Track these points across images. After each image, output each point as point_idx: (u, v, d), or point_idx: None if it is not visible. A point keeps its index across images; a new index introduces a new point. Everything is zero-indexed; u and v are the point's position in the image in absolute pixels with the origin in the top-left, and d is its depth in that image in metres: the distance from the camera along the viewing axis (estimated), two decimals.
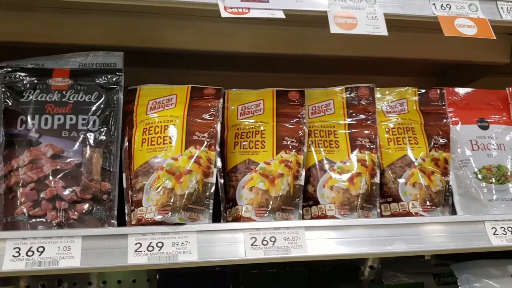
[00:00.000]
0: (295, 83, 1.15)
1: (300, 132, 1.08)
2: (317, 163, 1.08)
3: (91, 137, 0.98)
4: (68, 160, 0.95)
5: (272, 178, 1.03)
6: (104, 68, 1.04)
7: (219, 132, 1.02)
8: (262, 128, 1.08)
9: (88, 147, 0.97)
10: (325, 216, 1.03)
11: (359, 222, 1.00)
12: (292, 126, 1.08)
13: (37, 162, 0.94)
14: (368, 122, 1.13)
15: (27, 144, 0.96)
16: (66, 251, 0.85)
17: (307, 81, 1.21)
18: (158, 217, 0.93)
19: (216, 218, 1.04)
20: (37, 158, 0.94)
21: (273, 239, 0.94)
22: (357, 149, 1.10)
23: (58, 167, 0.94)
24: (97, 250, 0.87)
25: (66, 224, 0.91)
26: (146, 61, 1.25)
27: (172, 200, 0.94)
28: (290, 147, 1.06)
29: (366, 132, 1.12)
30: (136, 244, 0.89)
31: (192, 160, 0.98)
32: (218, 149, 1.01)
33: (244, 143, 1.07)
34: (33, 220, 0.91)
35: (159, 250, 0.89)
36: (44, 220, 0.91)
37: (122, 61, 1.05)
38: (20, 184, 0.93)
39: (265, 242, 0.93)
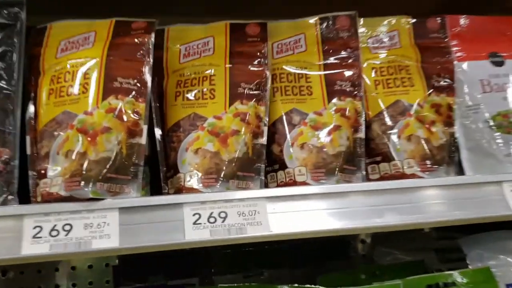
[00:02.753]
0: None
1: (261, 76, 0.87)
2: (284, 115, 0.88)
3: None
4: None
5: (224, 136, 0.83)
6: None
7: (148, 76, 0.81)
8: (211, 72, 0.88)
9: None
10: (294, 183, 0.84)
11: (338, 189, 0.80)
12: (250, 69, 0.88)
13: None
14: (350, 60, 0.92)
15: None
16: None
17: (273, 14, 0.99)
18: (64, 192, 0.74)
19: (157, 191, 0.86)
20: None
21: (223, 214, 0.75)
22: (336, 96, 0.90)
23: None
24: None
25: None
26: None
27: (84, 168, 0.74)
28: (248, 95, 0.86)
29: (347, 73, 0.91)
30: (35, 228, 0.70)
31: (112, 114, 0.78)
32: (148, 99, 0.80)
33: (188, 93, 0.87)
34: None
35: (66, 235, 0.70)
36: None
37: None
38: None
39: (212, 219, 0.74)
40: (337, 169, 0.84)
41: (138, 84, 0.80)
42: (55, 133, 0.77)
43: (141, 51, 0.82)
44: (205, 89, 0.86)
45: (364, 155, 0.89)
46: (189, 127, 0.84)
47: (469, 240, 0.99)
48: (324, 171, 0.84)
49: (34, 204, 0.74)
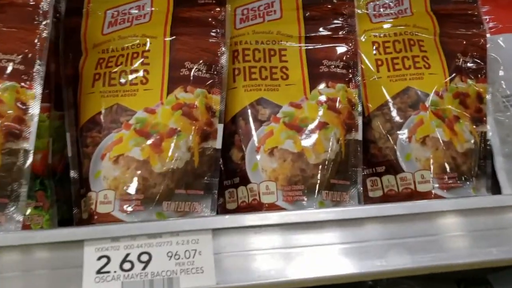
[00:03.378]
0: None
1: (215, 52, 0.63)
2: (248, 108, 0.63)
3: None
4: None
5: (158, 138, 0.58)
6: None
7: (45, 52, 0.56)
8: (144, 47, 0.63)
9: None
10: (259, 205, 0.60)
11: (322, 216, 0.56)
12: (200, 43, 0.63)
13: None
14: (342, 32, 0.67)
15: None
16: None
17: None
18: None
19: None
20: None
21: (145, 257, 0.50)
22: (322, 81, 0.64)
23: None
24: None
25: None
26: None
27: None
28: (195, 79, 0.61)
29: (338, 49, 0.66)
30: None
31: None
32: (40, 86, 0.55)
33: (111, 75, 0.62)
34: None
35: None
36: None
37: None
38: None
39: (127, 265, 0.49)
40: (321, 185, 0.60)
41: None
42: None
43: (34, 16, 0.57)
44: (134, 71, 0.61)
45: (361, 164, 0.65)
46: (110, 125, 0.60)
47: (502, 277, 0.74)
48: (303, 188, 0.59)
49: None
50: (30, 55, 0.55)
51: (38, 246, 0.49)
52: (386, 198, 0.65)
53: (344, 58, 0.66)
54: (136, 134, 0.58)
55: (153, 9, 0.65)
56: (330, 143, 0.62)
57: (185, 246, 0.51)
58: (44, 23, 0.56)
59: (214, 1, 0.65)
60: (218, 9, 0.64)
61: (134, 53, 0.63)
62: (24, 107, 0.53)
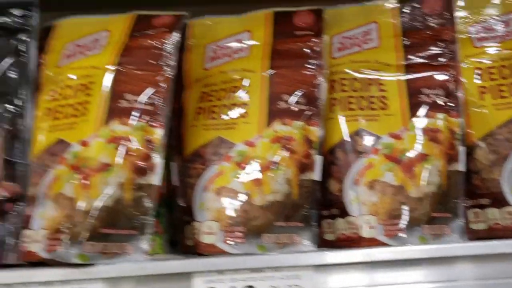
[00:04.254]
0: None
1: (313, 83, 0.64)
2: (346, 139, 0.64)
3: None
4: None
5: (257, 170, 0.60)
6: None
7: (170, 92, 0.61)
8: (244, 81, 0.66)
9: None
10: (359, 239, 0.60)
11: (425, 253, 0.56)
12: (298, 75, 0.65)
13: None
14: (443, 59, 0.66)
15: None
16: None
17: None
18: (44, 253, 0.55)
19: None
20: None
21: None
22: (422, 111, 0.64)
23: None
24: None
25: None
26: None
27: (69, 222, 0.55)
28: (292, 112, 0.63)
29: (438, 77, 0.65)
30: None
31: (114, 145, 0.58)
32: (167, 123, 0.61)
33: (212, 109, 0.66)
34: None
35: None
36: None
37: None
38: None
39: None
40: (423, 218, 0.59)
41: (151, 102, 0.60)
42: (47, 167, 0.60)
43: (162, 54, 0.62)
44: (234, 104, 0.64)
45: (463, 196, 0.63)
46: (212, 157, 0.63)
47: None
48: (403, 222, 0.59)
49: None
50: (156, 95, 0.60)
51: (152, 277, 0.54)
52: (491, 231, 0.62)
53: (446, 86, 0.64)
54: (237, 167, 0.61)
55: (252, 43, 0.68)
56: (431, 175, 0.61)
57: (287, 281, 0.53)
58: (168, 64, 0.61)
59: (311, 32, 0.67)
60: (316, 40, 0.66)
61: (234, 87, 0.65)
62: (151, 144, 0.58)
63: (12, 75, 0.63)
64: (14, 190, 0.60)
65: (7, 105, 0.62)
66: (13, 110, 0.62)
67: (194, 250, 0.61)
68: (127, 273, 0.53)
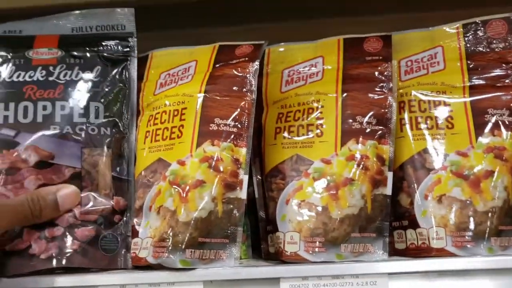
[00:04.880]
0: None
1: (383, 105, 0.69)
2: (415, 156, 0.69)
3: (94, 132, 0.70)
4: (62, 169, 0.67)
5: (334, 186, 0.67)
6: (107, 32, 0.76)
7: (252, 115, 0.69)
8: (319, 103, 0.72)
9: (90, 148, 0.69)
10: (428, 249, 0.66)
11: (492, 264, 0.61)
12: (369, 97, 0.70)
13: (14, 174, 0.66)
14: (507, 80, 0.70)
15: None
16: None
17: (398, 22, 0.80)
18: (151, 259, 0.64)
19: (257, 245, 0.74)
20: (13, 167, 0.66)
21: None
22: (487, 130, 0.68)
23: (47, 181, 0.66)
24: None
25: (62, 257, 0.64)
26: (160, 18, 0.93)
27: (172, 231, 0.64)
28: (366, 132, 0.69)
29: (503, 98, 0.70)
30: None
31: (207, 164, 0.66)
32: (249, 143, 0.68)
33: (290, 129, 0.73)
34: (9, 257, 0.63)
35: None
36: (29, 254, 0.63)
37: (134, 21, 0.76)
38: None
39: None
40: (489, 232, 0.64)
41: (238, 124, 0.67)
42: (150, 183, 0.69)
43: (243, 82, 0.69)
44: (311, 125, 0.71)
45: None
46: (291, 173, 0.70)
47: None
48: (472, 235, 0.64)
49: (110, 273, 0.65)
50: (240, 118, 0.67)
51: (244, 281, 0.61)
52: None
53: (509, 107, 0.69)
54: (314, 182, 0.67)
55: (324, 67, 0.74)
56: (497, 190, 0.66)
57: (365, 287, 0.60)
58: (250, 90, 0.69)
59: (380, 58, 0.73)
60: (385, 64, 0.71)
61: (310, 109, 0.72)
62: (237, 163, 0.66)
63: (117, 102, 0.72)
64: (122, 204, 0.69)
65: (114, 129, 0.71)
66: (119, 134, 0.71)
67: (277, 257, 0.68)
68: (223, 277, 0.60)
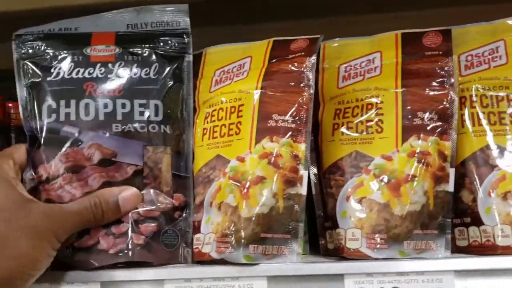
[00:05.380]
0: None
1: (445, 100, 0.69)
2: (477, 153, 0.68)
3: (154, 130, 0.71)
4: (124, 167, 0.69)
5: (395, 183, 0.66)
6: (163, 29, 0.76)
7: (310, 110, 0.69)
8: (378, 99, 0.72)
9: (151, 145, 0.70)
10: (493, 247, 0.65)
11: None
12: (429, 92, 0.70)
13: (79, 171, 0.68)
14: None
15: (60, 144, 0.68)
16: None
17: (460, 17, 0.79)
18: (215, 254, 0.65)
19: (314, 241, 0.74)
20: (78, 165, 0.68)
21: None
22: None
23: (111, 178, 0.68)
24: None
25: (129, 252, 0.66)
26: (214, 14, 0.95)
27: (234, 227, 0.65)
28: (427, 128, 0.68)
29: None
30: None
31: (267, 160, 0.67)
32: (308, 138, 0.68)
33: (348, 125, 0.73)
34: (79, 254, 0.66)
35: None
36: (98, 249, 0.66)
37: (188, 18, 0.76)
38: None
39: None
40: None
41: (296, 120, 0.68)
42: (209, 179, 0.70)
43: (301, 77, 0.69)
44: (369, 121, 0.71)
45: None
46: (351, 169, 0.70)
47: None
48: None
49: (174, 267, 0.67)
50: (299, 114, 0.68)
51: (307, 277, 0.62)
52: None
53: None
54: (375, 178, 0.68)
55: (382, 62, 0.74)
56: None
57: (430, 284, 0.59)
58: (308, 85, 0.69)
59: (440, 52, 0.72)
60: (445, 59, 0.70)
61: (369, 104, 0.72)
62: (297, 159, 0.66)
63: (175, 99, 0.73)
64: (181, 200, 0.71)
65: (173, 127, 0.72)
66: (177, 131, 0.72)
67: (336, 253, 0.68)
68: (286, 273, 0.61)
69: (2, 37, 0.83)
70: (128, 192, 0.67)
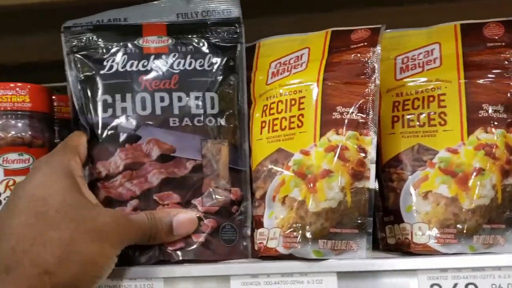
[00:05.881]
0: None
1: (510, 93, 0.68)
2: None
3: (211, 124, 0.69)
4: (183, 162, 0.67)
5: (463, 176, 0.65)
6: (215, 18, 0.74)
7: (376, 101, 0.67)
8: (439, 91, 0.71)
9: (209, 140, 0.69)
10: None
11: None
12: (494, 85, 0.69)
13: (138, 168, 0.66)
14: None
15: (118, 140, 0.67)
16: None
17: None
18: (282, 249, 0.64)
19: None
20: (137, 162, 0.67)
21: (471, 287, 0.59)
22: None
23: (170, 174, 0.67)
24: None
25: (188, 250, 0.65)
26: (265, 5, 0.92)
27: (302, 222, 0.64)
28: (493, 120, 0.67)
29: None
30: None
31: (333, 153, 0.66)
32: (375, 131, 0.67)
33: (409, 117, 0.71)
34: (139, 252, 0.64)
35: None
36: (157, 246, 0.64)
37: (239, 6, 0.74)
38: (115, 203, 0.66)
39: None
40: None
41: (361, 112, 0.67)
42: (271, 173, 0.69)
43: (365, 68, 0.68)
44: (432, 113, 0.70)
45: None
46: (413, 163, 0.69)
47: None
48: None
49: (240, 263, 0.65)
50: (364, 106, 0.67)
51: (378, 273, 0.61)
52: None
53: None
54: (441, 172, 0.66)
55: (442, 54, 0.73)
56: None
57: (508, 280, 0.58)
58: (373, 76, 0.68)
59: (503, 44, 0.70)
60: (509, 51, 0.69)
61: (430, 97, 0.70)
62: (364, 152, 0.65)
63: (230, 91, 0.72)
64: (239, 194, 0.69)
65: (229, 120, 0.70)
66: (233, 124, 0.71)
67: (399, 248, 0.67)
68: (357, 268, 0.60)
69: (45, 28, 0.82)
70: (183, 216, 0.65)
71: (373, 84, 0.67)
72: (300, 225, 0.63)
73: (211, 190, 0.67)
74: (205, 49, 0.72)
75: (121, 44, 0.71)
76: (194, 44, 0.72)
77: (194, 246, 0.65)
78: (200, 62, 0.72)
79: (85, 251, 0.55)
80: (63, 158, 0.62)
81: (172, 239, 0.64)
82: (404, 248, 0.66)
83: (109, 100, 0.68)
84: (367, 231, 0.63)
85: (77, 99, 0.69)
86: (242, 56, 0.74)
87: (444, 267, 0.59)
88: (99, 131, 0.67)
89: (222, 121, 0.70)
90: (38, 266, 0.53)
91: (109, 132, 0.67)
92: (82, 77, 0.70)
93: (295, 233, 0.63)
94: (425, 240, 0.64)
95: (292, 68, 0.73)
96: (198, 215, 0.66)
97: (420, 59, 0.74)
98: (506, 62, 0.69)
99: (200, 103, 0.70)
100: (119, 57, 0.71)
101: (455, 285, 0.59)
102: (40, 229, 0.54)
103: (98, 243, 0.56)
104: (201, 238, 0.65)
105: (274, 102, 0.72)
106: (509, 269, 0.58)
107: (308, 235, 0.62)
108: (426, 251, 0.64)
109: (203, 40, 0.73)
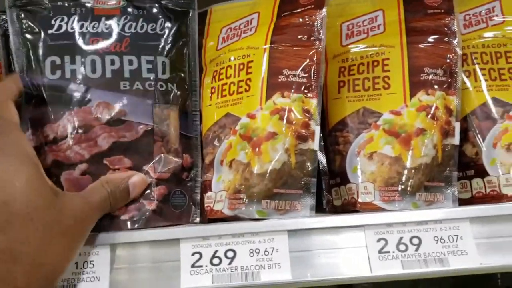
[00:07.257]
0: None
1: (449, 57, 0.71)
2: (478, 107, 0.72)
3: (162, 89, 0.68)
4: (134, 126, 0.66)
5: (406, 137, 0.68)
6: None
7: (321, 64, 0.68)
8: (383, 56, 0.74)
9: (160, 104, 0.68)
10: (498, 196, 0.68)
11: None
12: (435, 49, 0.72)
13: (88, 131, 0.64)
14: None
15: (67, 103, 0.65)
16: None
17: None
18: (227, 211, 0.65)
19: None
20: (86, 125, 0.65)
21: (415, 241, 0.62)
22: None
23: (120, 138, 0.65)
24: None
25: (141, 218, 0.64)
26: None
27: (246, 183, 0.65)
28: (434, 83, 0.70)
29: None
30: (193, 254, 0.61)
31: (278, 116, 0.67)
32: (320, 93, 0.68)
33: (354, 82, 0.74)
34: None
35: (229, 263, 0.61)
36: (111, 215, 0.63)
37: None
38: (62, 166, 0.63)
39: (402, 247, 0.61)
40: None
41: (306, 75, 0.67)
42: (219, 138, 0.69)
43: (311, 32, 0.69)
44: (377, 77, 0.72)
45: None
46: (359, 126, 0.71)
47: None
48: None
49: (196, 225, 0.66)
50: (310, 68, 0.68)
51: (328, 230, 0.62)
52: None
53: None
54: (385, 133, 0.69)
55: (386, 20, 0.75)
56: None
57: (448, 232, 0.62)
58: (319, 38, 0.69)
59: (442, 11, 0.74)
60: (448, 17, 0.73)
61: (374, 61, 0.73)
62: (309, 114, 0.66)
63: (182, 57, 0.71)
64: (189, 161, 0.69)
65: (180, 85, 0.70)
66: (184, 90, 0.70)
67: (345, 208, 0.70)
68: (307, 226, 0.61)
69: None
70: (137, 178, 0.64)
71: (319, 47, 0.69)
72: (244, 186, 0.64)
73: (162, 156, 0.67)
74: (157, 13, 0.71)
75: (71, 3, 0.69)
76: (146, 7, 0.71)
77: (147, 215, 0.64)
78: (152, 26, 0.70)
79: (55, 258, 0.53)
80: (15, 138, 0.55)
81: (127, 202, 0.64)
82: (351, 208, 0.69)
83: (58, 61, 0.66)
84: (311, 192, 0.65)
85: (17, 57, 0.66)
86: (194, 22, 0.73)
87: (390, 222, 0.62)
88: (47, 93, 0.65)
89: (174, 87, 0.70)
90: (8, 285, 0.50)
91: (57, 94, 0.65)
92: (26, 35, 0.67)
93: (239, 195, 0.63)
94: (371, 199, 0.67)
95: (242, 33, 0.74)
96: (150, 181, 0.65)
97: (365, 26, 0.76)
98: (445, 28, 0.72)
99: (151, 67, 0.68)
100: (68, 17, 0.68)
101: (401, 238, 0.61)
102: (6, 244, 0.50)
103: (67, 244, 0.54)
104: (153, 205, 0.65)
105: (223, 68, 0.72)
106: (449, 221, 0.62)
107: (252, 196, 0.63)
108: (372, 209, 0.67)
109: (156, 4, 0.71)
